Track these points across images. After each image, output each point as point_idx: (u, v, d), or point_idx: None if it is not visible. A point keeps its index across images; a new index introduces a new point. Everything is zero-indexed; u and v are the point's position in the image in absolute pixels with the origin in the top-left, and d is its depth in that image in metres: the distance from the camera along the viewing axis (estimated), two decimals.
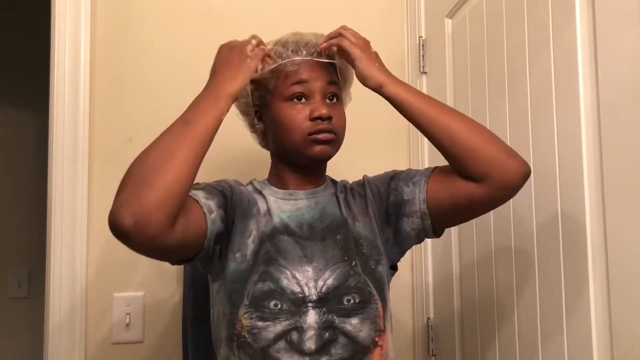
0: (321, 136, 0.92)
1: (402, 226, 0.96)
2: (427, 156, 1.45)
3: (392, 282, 1.02)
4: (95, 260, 1.35)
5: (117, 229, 0.74)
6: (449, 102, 1.35)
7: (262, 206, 0.96)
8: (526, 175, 0.88)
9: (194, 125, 0.83)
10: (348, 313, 0.90)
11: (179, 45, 1.44)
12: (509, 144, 1.05)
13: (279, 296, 0.88)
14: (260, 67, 0.93)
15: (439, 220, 0.95)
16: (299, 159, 0.96)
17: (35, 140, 2.28)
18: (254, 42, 0.93)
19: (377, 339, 0.91)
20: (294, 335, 0.87)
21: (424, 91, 1.49)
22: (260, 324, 0.87)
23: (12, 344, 2.22)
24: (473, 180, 0.88)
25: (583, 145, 0.87)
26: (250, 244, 0.92)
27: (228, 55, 0.92)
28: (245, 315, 0.88)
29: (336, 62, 0.98)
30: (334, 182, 1.05)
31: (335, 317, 0.89)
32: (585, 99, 0.87)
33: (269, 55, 0.95)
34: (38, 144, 2.19)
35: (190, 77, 1.40)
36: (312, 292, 0.89)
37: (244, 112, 1.04)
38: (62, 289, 1.32)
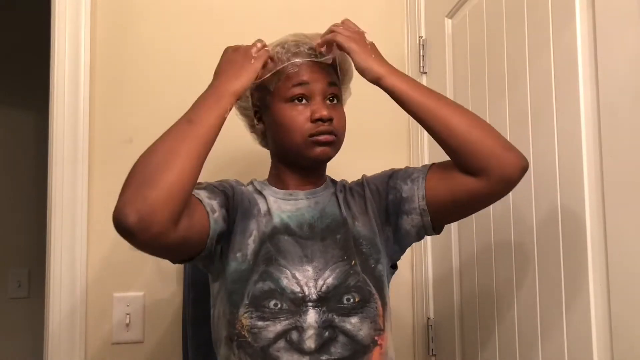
0: (322, 138, 0.93)
1: (402, 224, 0.96)
2: (427, 156, 1.45)
3: (392, 282, 1.02)
4: (95, 260, 1.35)
5: (122, 227, 0.74)
6: None
7: (262, 206, 0.97)
8: (524, 168, 0.88)
9: (197, 124, 0.83)
10: (348, 312, 0.90)
11: (179, 45, 1.44)
12: None
13: (279, 296, 0.88)
14: (261, 71, 0.94)
15: (438, 216, 0.95)
16: (299, 160, 0.97)
17: (35, 140, 2.28)
18: (259, 45, 0.94)
19: (376, 337, 0.91)
20: (294, 335, 0.87)
21: None
22: (260, 323, 0.87)
23: (12, 344, 2.22)
24: (471, 174, 0.88)
25: (583, 145, 0.87)
26: (251, 243, 0.92)
27: (233, 56, 0.93)
28: (246, 315, 0.88)
29: (336, 59, 0.98)
30: (333, 182, 1.05)
31: (335, 316, 0.89)
32: (585, 99, 0.87)
33: (272, 58, 0.95)
34: (38, 144, 2.19)
35: (190, 77, 1.41)
36: (312, 292, 0.90)
37: (244, 113, 1.04)
38: (62, 289, 1.32)
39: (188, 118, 0.84)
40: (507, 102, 1.10)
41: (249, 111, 1.02)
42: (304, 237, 0.94)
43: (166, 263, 0.93)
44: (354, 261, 0.93)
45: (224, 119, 0.86)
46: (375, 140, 1.51)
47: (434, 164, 0.97)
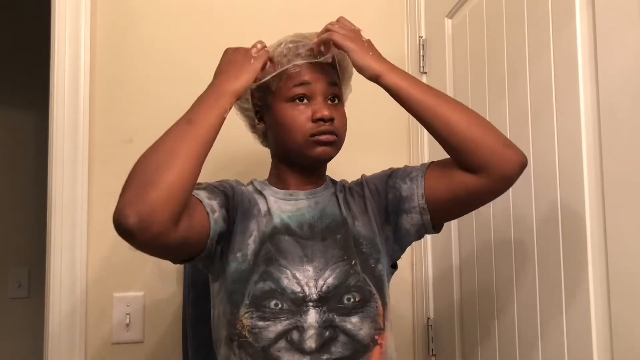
0: (323, 137, 0.93)
1: (402, 223, 0.96)
2: (427, 155, 1.45)
3: (392, 281, 1.02)
4: (95, 260, 1.35)
5: (122, 228, 0.74)
6: None
7: (262, 206, 0.97)
8: (523, 165, 0.88)
9: (196, 124, 0.83)
10: (348, 312, 0.90)
11: (179, 45, 1.44)
12: None
13: (280, 296, 0.88)
14: (261, 73, 0.94)
15: (438, 214, 0.95)
16: (300, 160, 0.97)
17: (35, 140, 2.28)
18: (259, 45, 0.94)
19: (376, 337, 0.91)
20: (295, 335, 0.87)
21: None
22: (260, 323, 0.87)
23: (12, 344, 2.22)
24: (471, 172, 0.88)
25: (583, 145, 0.87)
26: (251, 244, 0.92)
27: (232, 56, 0.93)
28: (246, 315, 0.88)
29: (335, 58, 0.98)
30: (333, 182, 1.05)
31: (335, 316, 0.89)
32: (585, 99, 0.87)
33: (272, 59, 0.95)
34: (38, 144, 2.19)
35: (190, 77, 1.41)
36: (312, 292, 0.90)
37: (245, 113, 1.04)
38: (62, 289, 1.32)
39: (187, 118, 0.84)
40: (507, 102, 1.10)
41: (249, 112, 1.02)
42: (304, 237, 0.94)
43: (166, 263, 0.93)
44: (354, 261, 0.93)
45: (223, 119, 0.86)
46: (375, 140, 1.51)
47: (432, 162, 0.97)
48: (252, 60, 0.91)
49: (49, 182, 1.34)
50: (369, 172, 1.05)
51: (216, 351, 0.96)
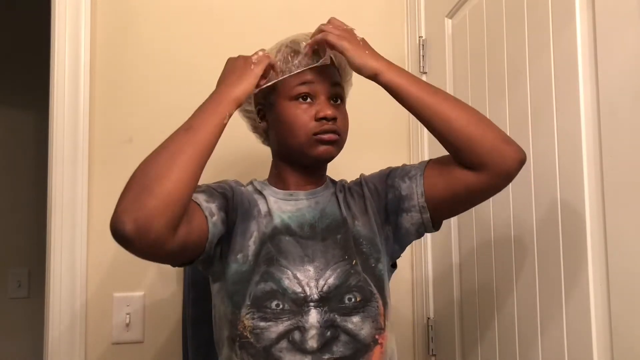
0: (326, 136, 0.93)
1: (402, 222, 0.96)
2: (427, 155, 1.45)
3: (392, 281, 1.02)
4: (95, 260, 1.35)
5: (119, 235, 0.74)
6: None
7: (262, 207, 0.97)
8: (522, 161, 0.88)
9: (195, 131, 0.83)
10: (349, 312, 0.90)
11: (179, 45, 1.44)
12: None
13: (281, 296, 0.88)
14: (263, 81, 0.94)
15: (438, 212, 0.95)
16: (302, 159, 0.97)
17: (35, 140, 2.28)
18: (260, 53, 0.94)
19: (377, 336, 0.91)
20: (296, 335, 0.87)
21: None
22: (262, 324, 0.87)
23: (12, 344, 2.22)
24: (470, 169, 0.88)
25: (583, 145, 0.87)
26: (252, 245, 0.92)
27: (233, 64, 0.93)
28: (247, 316, 0.88)
29: (334, 60, 0.98)
30: (333, 182, 1.05)
31: (336, 315, 0.89)
32: (585, 99, 0.87)
33: (273, 65, 0.94)
34: (38, 144, 2.19)
35: (191, 77, 1.42)
36: (313, 292, 0.90)
37: (246, 115, 1.04)
38: (62, 289, 1.32)
39: (187, 125, 0.84)
40: (507, 102, 1.10)
41: (252, 113, 1.02)
42: (304, 237, 0.94)
43: None
44: (354, 261, 0.93)
45: (223, 125, 0.85)
46: (375, 140, 1.51)
47: (430, 160, 0.97)
48: (252, 67, 0.91)
49: (49, 182, 1.34)
50: (369, 172, 1.05)
51: (218, 351, 0.96)
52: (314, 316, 0.88)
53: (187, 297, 1.23)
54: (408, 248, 1.03)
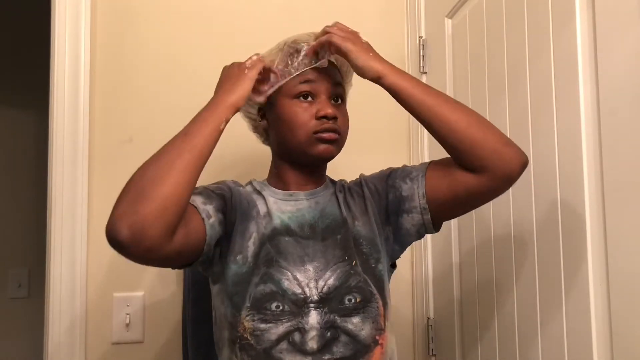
0: (326, 135, 0.93)
1: (403, 223, 0.96)
2: (427, 156, 1.45)
3: (392, 281, 1.02)
4: (95, 260, 1.35)
5: (114, 241, 0.74)
6: None
7: (261, 208, 0.96)
8: (524, 164, 0.88)
9: (192, 137, 0.83)
10: (349, 312, 0.90)
11: (179, 45, 1.44)
12: None
13: (281, 298, 0.88)
14: (265, 88, 0.94)
15: (439, 213, 0.95)
16: (301, 158, 0.96)
17: (35, 140, 2.28)
18: (254, 57, 0.94)
19: (377, 337, 0.91)
20: (297, 336, 0.87)
21: None
22: (262, 325, 0.87)
23: (12, 344, 2.22)
24: (472, 171, 0.88)
25: (583, 145, 0.87)
26: (251, 246, 0.92)
27: (228, 71, 0.94)
28: (248, 318, 0.88)
29: (336, 63, 0.98)
30: (332, 182, 1.05)
31: (336, 316, 0.89)
32: (585, 99, 0.87)
33: (269, 68, 0.94)
34: (38, 144, 2.19)
35: (190, 77, 1.42)
36: (313, 293, 0.90)
37: (247, 115, 1.04)
38: (62, 289, 1.31)
39: (184, 131, 0.84)
40: (507, 102, 1.10)
41: (252, 113, 1.02)
42: (304, 237, 0.94)
43: None
44: (354, 261, 0.93)
45: (220, 131, 0.85)
46: (375, 140, 1.51)
47: (432, 161, 0.97)
48: (247, 71, 0.91)
49: (49, 182, 1.34)
50: (369, 172, 1.05)
51: (218, 352, 0.96)
52: (314, 317, 0.88)
53: (187, 297, 1.23)
54: (408, 248, 1.03)
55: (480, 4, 1.21)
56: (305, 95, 0.95)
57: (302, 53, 0.96)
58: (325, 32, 0.95)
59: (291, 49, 0.97)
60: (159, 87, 1.42)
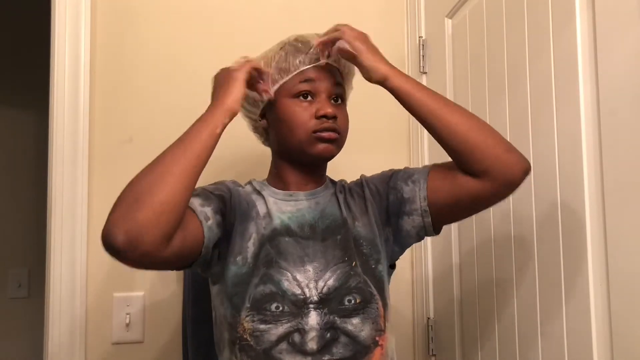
0: (325, 134, 0.93)
1: (403, 225, 0.96)
2: (427, 156, 1.45)
3: (392, 281, 1.02)
4: (95, 260, 1.35)
5: (110, 246, 0.74)
6: None
7: (261, 208, 0.96)
8: (526, 171, 0.88)
9: (187, 143, 0.83)
10: (349, 313, 0.90)
11: (179, 45, 1.44)
12: None
13: (280, 298, 0.88)
14: (265, 86, 0.94)
15: (439, 217, 0.95)
16: (301, 157, 0.96)
17: (35, 140, 2.28)
18: (241, 60, 0.93)
19: (377, 338, 0.91)
20: (296, 337, 0.87)
21: None
22: (262, 326, 0.87)
23: (12, 344, 2.22)
24: (473, 176, 0.88)
25: (583, 145, 0.87)
26: (251, 246, 0.92)
27: (218, 79, 0.93)
28: (247, 318, 0.88)
29: (335, 61, 0.98)
30: (333, 182, 1.05)
31: (336, 317, 0.89)
32: (585, 99, 0.87)
33: (257, 68, 0.94)
34: (38, 144, 2.19)
35: (190, 77, 1.42)
36: (313, 293, 0.90)
37: (247, 114, 1.04)
38: (62, 289, 1.31)
39: (180, 139, 0.84)
40: (507, 102, 1.10)
41: (252, 113, 1.02)
42: (304, 238, 0.94)
43: None
44: (354, 262, 0.93)
45: (216, 135, 0.85)
46: (375, 140, 1.51)
47: (434, 164, 0.97)
48: (235, 73, 0.91)
49: (49, 182, 1.34)
50: (369, 172, 1.05)
51: (218, 353, 0.96)
52: (313, 318, 0.88)
53: (187, 297, 1.23)
54: (408, 248, 1.03)
55: (480, 4, 1.21)
56: (305, 94, 0.95)
57: (304, 51, 0.96)
58: (335, 29, 0.95)
59: (293, 47, 0.97)
60: (159, 87, 1.42)
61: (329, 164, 1.02)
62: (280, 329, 0.87)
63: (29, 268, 2.27)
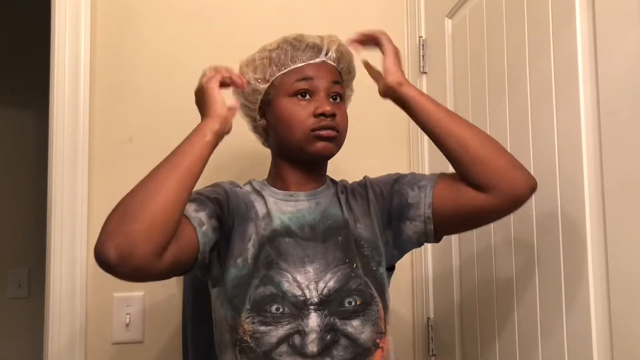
0: (324, 132, 0.93)
1: (404, 229, 0.96)
2: (427, 156, 1.45)
3: (392, 281, 1.02)
4: (95, 260, 1.35)
5: (101, 261, 0.74)
6: (449, 102, 1.35)
7: (260, 209, 0.96)
8: (532, 188, 0.89)
9: (179, 155, 0.83)
10: (349, 315, 0.90)
11: (179, 45, 1.44)
12: (509, 144, 1.06)
13: (281, 300, 0.88)
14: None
15: (442, 226, 0.95)
16: (300, 156, 0.96)
17: (35, 140, 2.28)
18: (207, 73, 0.92)
19: (378, 340, 0.91)
20: (297, 339, 0.87)
21: (424, 91, 1.49)
22: (262, 328, 0.87)
23: (12, 344, 2.21)
24: (479, 189, 0.88)
25: (583, 145, 0.87)
26: (250, 248, 0.92)
27: (197, 98, 0.92)
28: (248, 320, 0.88)
29: (333, 59, 0.99)
30: (334, 182, 1.05)
31: (336, 319, 0.89)
32: (585, 99, 0.87)
33: (228, 71, 0.93)
34: (38, 144, 2.18)
35: (190, 77, 1.40)
36: (313, 295, 0.89)
37: (247, 114, 1.04)
38: (62, 289, 1.31)
39: (171, 153, 0.83)
40: (507, 102, 1.10)
41: (252, 111, 1.02)
42: (305, 239, 0.94)
43: None
44: (355, 264, 0.93)
45: (206, 142, 0.84)
46: (375, 141, 1.51)
47: (442, 173, 0.97)
48: (208, 84, 0.90)
49: (49, 182, 1.34)
50: (369, 173, 1.05)
51: (218, 354, 0.96)
52: (314, 320, 0.88)
53: (187, 297, 1.23)
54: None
55: (480, 4, 1.21)
56: (303, 93, 0.95)
57: (301, 48, 0.96)
58: (379, 31, 0.97)
59: (290, 44, 0.97)
60: (159, 87, 1.42)
61: (329, 164, 1.02)
62: (281, 330, 0.87)
63: (29, 268, 2.27)
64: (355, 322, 0.90)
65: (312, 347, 0.87)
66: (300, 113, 0.93)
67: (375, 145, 1.50)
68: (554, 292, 0.93)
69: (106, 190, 1.35)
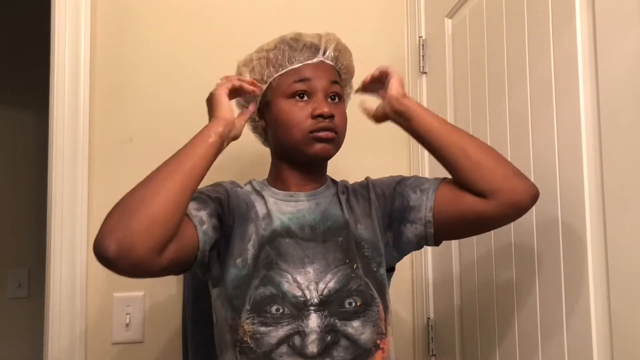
0: (322, 134, 0.93)
1: (404, 232, 0.96)
2: (427, 157, 1.45)
3: (392, 282, 1.02)
4: (95, 260, 1.34)
5: (101, 256, 0.74)
6: (449, 102, 1.35)
7: (260, 209, 0.96)
8: (534, 196, 0.88)
9: (181, 156, 0.83)
10: (350, 316, 0.89)
11: (179, 45, 1.44)
12: (509, 144, 1.06)
13: (281, 300, 0.88)
14: (252, 88, 0.94)
15: (442, 230, 0.95)
16: (299, 157, 0.96)
17: (35, 140, 2.28)
18: (219, 81, 0.93)
19: (378, 341, 0.91)
20: (297, 340, 0.87)
21: (424, 91, 1.49)
22: (262, 329, 0.87)
23: (12, 344, 2.22)
24: (482, 196, 0.88)
25: (583, 145, 0.87)
26: (250, 248, 0.92)
27: (207, 103, 0.92)
28: (248, 321, 0.88)
29: (331, 59, 0.99)
30: (334, 182, 1.05)
31: (337, 320, 0.89)
32: (585, 99, 0.87)
33: (239, 80, 0.94)
34: (38, 144, 2.19)
35: (190, 77, 1.42)
36: (313, 295, 0.89)
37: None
38: (62, 289, 1.32)
39: (175, 154, 0.84)
40: (507, 102, 1.10)
41: (252, 113, 1.02)
42: (305, 239, 0.94)
43: None
44: (355, 264, 0.93)
45: (209, 144, 0.85)
46: (375, 141, 1.51)
47: (445, 178, 0.97)
48: (217, 92, 0.90)
49: (49, 182, 1.34)
50: (369, 173, 1.05)
51: (218, 355, 0.96)
52: (314, 320, 0.88)
53: (187, 297, 1.23)
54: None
55: (480, 4, 1.21)
56: (301, 94, 0.95)
57: (298, 48, 0.97)
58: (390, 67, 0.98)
59: (287, 45, 0.97)
60: (159, 87, 1.42)
61: (330, 164, 1.02)
62: (281, 331, 0.87)
63: (29, 268, 2.27)
64: (356, 323, 0.89)
65: (312, 348, 0.87)
66: (298, 114, 0.93)
67: (375, 146, 1.50)
68: (554, 292, 0.93)
69: (106, 190, 1.35)
